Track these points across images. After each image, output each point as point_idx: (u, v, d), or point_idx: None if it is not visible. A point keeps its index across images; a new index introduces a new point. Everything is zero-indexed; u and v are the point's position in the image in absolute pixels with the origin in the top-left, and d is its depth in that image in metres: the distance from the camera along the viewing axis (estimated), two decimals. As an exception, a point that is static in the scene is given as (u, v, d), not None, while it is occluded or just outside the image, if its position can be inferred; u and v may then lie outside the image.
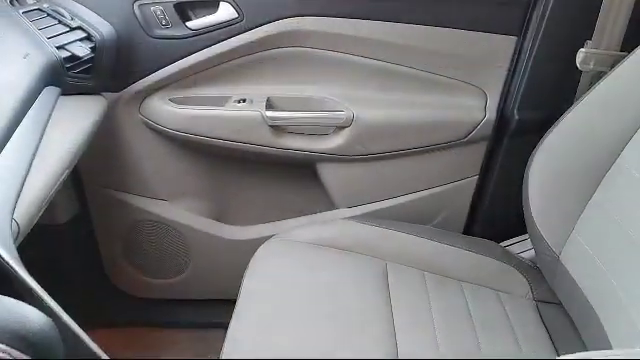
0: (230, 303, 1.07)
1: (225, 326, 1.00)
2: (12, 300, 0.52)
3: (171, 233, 1.43)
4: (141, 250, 1.46)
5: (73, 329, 0.68)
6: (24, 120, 0.88)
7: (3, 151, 0.80)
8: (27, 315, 0.51)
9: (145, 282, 1.50)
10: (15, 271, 0.68)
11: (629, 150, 0.99)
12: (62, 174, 1.01)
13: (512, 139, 1.30)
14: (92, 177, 1.37)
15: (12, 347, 0.48)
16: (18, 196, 0.80)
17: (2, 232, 0.71)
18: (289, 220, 1.42)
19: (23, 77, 0.91)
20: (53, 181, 0.96)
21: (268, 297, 1.05)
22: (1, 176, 0.77)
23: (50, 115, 0.98)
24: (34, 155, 0.90)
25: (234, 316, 1.02)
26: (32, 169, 0.88)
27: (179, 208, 1.41)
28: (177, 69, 1.26)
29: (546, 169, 1.11)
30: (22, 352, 0.49)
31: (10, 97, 0.83)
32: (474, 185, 1.38)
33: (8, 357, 0.48)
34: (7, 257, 0.67)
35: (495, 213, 1.40)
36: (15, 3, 1.10)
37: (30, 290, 0.66)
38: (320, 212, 1.42)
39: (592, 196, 1.04)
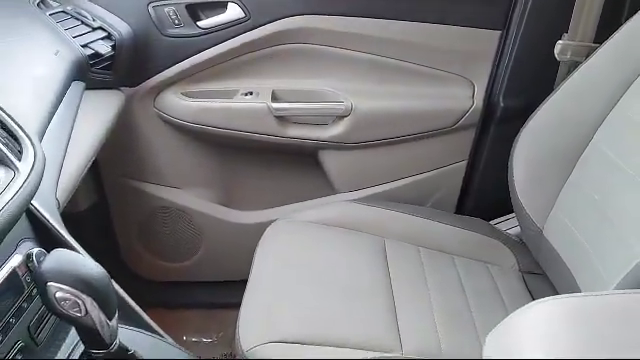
0: (240, 283, 1.13)
1: (237, 305, 1.06)
2: (76, 254, 0.61)
3: (184, 219, 1.51)
4: (156, 235, 1.54)
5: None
6: (57, 111, 0.97)
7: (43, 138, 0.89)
8: (89, 266, 0.60)
9: (160, 266, 1.58)
10: (66, 239, 0.78)
11: (601, 132, 1.09)
12: (87, 162, 1.10)
13: (498, 125, 1.39)
14: (110, 167, 1.45)
15: (79, 290, 0.58)
16: (58, 178, 0.90)
17: (50, 207, 0.81)
18: (293, 204, 1.49)
19: (56, 72, 1.00)
20: (81, 169, 1.05)
21: (278, 272, 1.12)
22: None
23: (78, 107, 1.07)
24: (68, 143, 0.99)
25: (247, 290, 1.10)
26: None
27: (191, 195, 1.50)
28: (189, 65, 1.35)
29: (529, 152, 1.20)
30: (87, 295, 0.58)
31: (48, 89, 0.92)
32: (464, 168, 1.47)
33: (76, 298, 0.58)
34: (58, 227, 0.77)
35: (484, 194, 1.49)
36: (42, 6, 1.18)
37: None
38: (322, 197, 1.50)
39: (570, 175, 1.13)
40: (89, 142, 1.12)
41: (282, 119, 1.39)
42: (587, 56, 1.15)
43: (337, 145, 1.42)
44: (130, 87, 1.35)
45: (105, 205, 1.50)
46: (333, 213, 1.30)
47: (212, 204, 1.52)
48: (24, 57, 0.95)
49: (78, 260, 0.60)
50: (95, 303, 0.59)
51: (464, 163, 1.47)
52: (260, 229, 1.27)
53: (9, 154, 0.66)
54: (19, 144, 0.70)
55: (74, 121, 1.02)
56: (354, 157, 1.45)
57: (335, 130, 1.40)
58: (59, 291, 0.57)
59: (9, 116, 0.72)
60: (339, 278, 1.10)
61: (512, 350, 0.65)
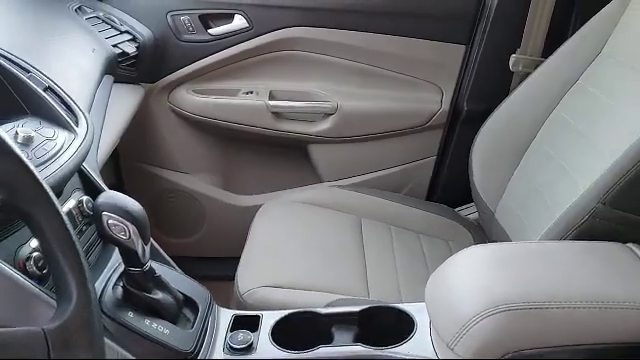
0: (237, 260, 1.27)
1: (234, 278, 1.20)
2: (122, 194, 0.81)
3: (190, 200, 1.70)
4: (164, 214, 1.72)
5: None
6: (95, 97, 1.16)
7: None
8: (132, 202, 0.80)
9: (167, 241, 1.75)
10: (106, 189, 0.97)
11: (542, 131, 1.28)
12: (113, 146, 1.30)
13: (462, 125, 1.59)
14: (127, 152, 1.64)
15: (125, 219, 0.78)
16: (97, 147, 1.09)
17: (93, 166, 1.00)
18: (285, 190, 1.68)
19: (94, 66, 1.19)
20: (107, 151, 1.24)
21: (271, 237, 1.31)
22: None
23: (109, 96, 1.27)
24: (102, 129, 1.17)
25: (244, 250, 1.27)
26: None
27: (197, 180, 1.69)
28: (199, 66, 1.56)
29: (485, 148, 1.38)
30: (130, 223, 0.78)
31: (90, 79, 1.12)
32: (433, 162, 1.67)
33: (123, 225, 0.77)
34: (100, 181, 0.96)
35: (450, 184, 1.67)
36: (79, 11, 1.38)
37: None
38: (310, 185, 1.69)
39: (517, 167, 1.33)
40: (114, 129, 1.31)
41: (277, 115, 1.60)
42: (535, 68, 1.35)
43: (324, 139, 1.62)
44: (149, 83, 1.55)
45: (121, 186, 1.69)
46: (318, 195, 1.48)
47: (215, 188, 1.71)
48: (71, 52, 1.15)
49: (124, 198, 0.80)
50: (136, 230, 0.78)
51: (433, 158, 1.67)
52: (255, 211, 1.45)
53: (70, 121, 0.86)
54: (75, 115, 0.90)
55: (107, 107, 1.22)
56: (339, 150, 1.64)
57: (323, 126, 1.61)
58: (110, 219, 0.77)
59: (67, 94, 0.92)
60: (321, 244, 1.29)
61: (445, 282, 0.85)
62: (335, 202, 1.46)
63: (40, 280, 0.71)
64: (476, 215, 1.53)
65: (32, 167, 0.56)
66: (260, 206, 1.47)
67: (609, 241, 0.89)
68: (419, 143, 1.64)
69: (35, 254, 0.72)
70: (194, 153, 1.68)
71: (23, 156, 0.56)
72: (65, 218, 0.57)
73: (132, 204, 0.79)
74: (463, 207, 1.64)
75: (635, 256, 0.84)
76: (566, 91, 1.26)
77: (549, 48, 1.40)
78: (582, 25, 1.26)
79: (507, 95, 1.40)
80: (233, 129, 1.60)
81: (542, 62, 1.34)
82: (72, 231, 0.57)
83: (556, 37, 1.41)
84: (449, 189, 1.68)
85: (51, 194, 0.57)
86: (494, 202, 1.36)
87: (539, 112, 1.29)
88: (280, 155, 1.72)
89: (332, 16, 1.53)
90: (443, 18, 1.52)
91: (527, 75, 1.37)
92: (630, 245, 0.88)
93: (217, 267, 1.72)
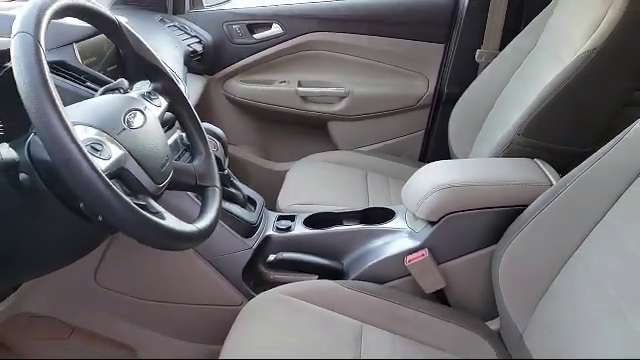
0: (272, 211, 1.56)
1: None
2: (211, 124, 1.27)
3: (237, 165, 2.14)
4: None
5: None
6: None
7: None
8: (218, 129, 1.26)
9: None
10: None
11: (497, 102, 1.70)
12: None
13: (444, 106, 1.99)
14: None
15: (215, 138, 1.24)
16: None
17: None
18: (310, 156, 2.03)
19: (179, 58, 1.67)
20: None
21: (300, 179, 1.74)
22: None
23: (186, 82, 1.74)
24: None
25: (280, 195, 1.67)
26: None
27: (243, 150, 2.15)
28: (246, 62, 2.04)
29: (458, 118, 1.77)
30: (217, 140, 1.24)
31: (180, 64, 1.59)
32: (423, 133, 2.09)
33: (213, 141, 1.24)
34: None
35: (436, 150, 2.06)
36: (161, 22, 1.87)
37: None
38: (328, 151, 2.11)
39: (481, 129, 1.76)
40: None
41: (304, 99, 2.06)
42: (494, 58, 1.75)
43: (339, 117, 2.07)
44: (209, 75, 2.03)
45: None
46: (335, 157, 1.86)
47: (255, 156, 2.17)
48: (165, 46, 1.62)
49: (215, 127, 1.26)
50: (220, 145, 1.25)
51: (423, 130, 2.09)
52: (284, 174, 1.80)
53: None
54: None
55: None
56: (351, 125, 2.08)
57: (338, 107, 2.06)
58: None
59: (171, 69, 1.39)
60: (332, 181, 1.65)
61: (412, 181, 1.29)
62: (348, 161, 1.85)
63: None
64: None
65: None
66: (287, 171, 1.82)
67: (523, 158, 1.31)
68: (411, 119, 2.06)
69: None
70: (240, 129, 2.14)
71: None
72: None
73: (219, 130, 1.26)
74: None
75: (535, 164, 1.28)
76: (512, 74, 1.68)
77: (504, 43, 1.79)
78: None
79: (474, 80, 1.80)
80: (270, 110, 2.07)
81: (498, 54, 1.76)
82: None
83: (509, 35, 1.78)
84: (435, 153, 2.07)
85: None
86: (465, 153, 1.74)
87: (495, 91, 1.69)
88: (306, 129, 2.16)
89: (344, 24, 1.99)
90: (427, 24, 1.96)
91: (488, 64, 1.77)
92: (536, 160, 1.31)
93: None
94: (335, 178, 1.71)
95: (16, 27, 0.69)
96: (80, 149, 0.65)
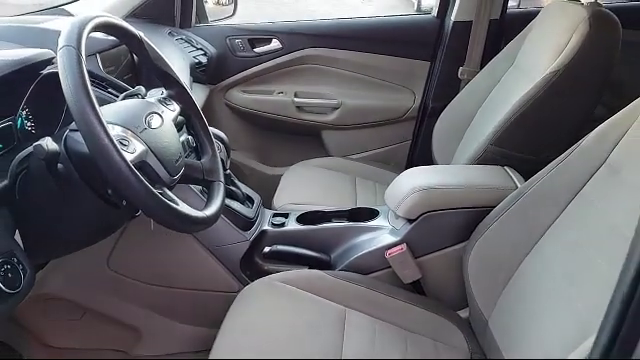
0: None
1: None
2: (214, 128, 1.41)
3: (236, 169, 2.27)
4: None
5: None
6: (185, 87, 1.77)
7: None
8: (221, 133, 1.40)
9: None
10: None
11: (478, 113, 1.85)
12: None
13: (429, 118, 2.12)
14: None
15: (218, 140, 1.38)
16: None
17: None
18: (304, 161, 2.12)
19: (185, 69, 1.81)
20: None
21: (293, 181, 1.88)
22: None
23: (191, 90, 1.88)
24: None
25: (275, 195, 1.82)
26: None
27: (242, 155, 2.27)
28: (247, 74, 2.17)
29: (441, 129, 1.90)
30: (220, 142, 1.38)
31: (187, 74, 1.73)
32: (409, 144, 2.22)
33: (219, 143, 1.37)
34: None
35: (420, 158, 2.19)
36: (170, 35, 2.00)
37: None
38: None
39: (461, 140, 1.90)
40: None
41: (300, 108, 2.20)
42: (474, 76, 1.90)
43: (332, 126, 2.21)
44: (212, 85, 2.16)
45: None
46: (326, 163, 1.97)
47: (254, 161, 2.29)
48: (172, 58, 1.76)
49: (218, 131, 1.40)
50: (223, 147, 1.38)
51: (409, 142, 2.22)
52: (280, 178, 1.91)
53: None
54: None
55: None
56: (342, 134, 2.22)
57: (331, 117, 2.19)
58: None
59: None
60: (323, 183, 1.79)
61: (395, 183, 1.43)
62: (339, 167, 1.96)
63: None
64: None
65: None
66: (282, 175, 1.91)
67: (494, 166, 1.45)
68: (399, 130, 2.20)
69: None
70: (240, 135, 2.26)
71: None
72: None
73: (223, 134, 1.39)
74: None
75: (504, 171, 1.42)
76: (491, 90, 1.81)
77: (484, 62, 1.93)
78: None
79: (456, 95, 1.93)
80: (268, 118, 2.20)
81: (479, 72, 1.89)
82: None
83: (489, 55, 1.92)
84: (420, 161, 2.12)
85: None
86: (447, 162, 1.84)
87: (475, 105, 1.82)
88: (300, 137, 2.29)
89: (337, 41, 2.13)
90: (415, 43, 2.11)
91: (469, 81, 1.91)
92: (505, 167, 1.45)
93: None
94: (326, 181, 1.83)
95: (62, 41, 0.82)
96: (113, 143, 0.79)
